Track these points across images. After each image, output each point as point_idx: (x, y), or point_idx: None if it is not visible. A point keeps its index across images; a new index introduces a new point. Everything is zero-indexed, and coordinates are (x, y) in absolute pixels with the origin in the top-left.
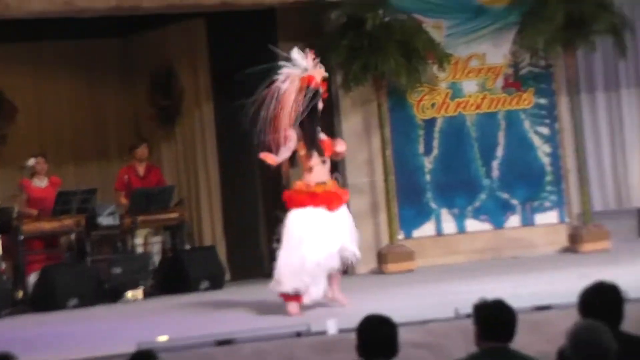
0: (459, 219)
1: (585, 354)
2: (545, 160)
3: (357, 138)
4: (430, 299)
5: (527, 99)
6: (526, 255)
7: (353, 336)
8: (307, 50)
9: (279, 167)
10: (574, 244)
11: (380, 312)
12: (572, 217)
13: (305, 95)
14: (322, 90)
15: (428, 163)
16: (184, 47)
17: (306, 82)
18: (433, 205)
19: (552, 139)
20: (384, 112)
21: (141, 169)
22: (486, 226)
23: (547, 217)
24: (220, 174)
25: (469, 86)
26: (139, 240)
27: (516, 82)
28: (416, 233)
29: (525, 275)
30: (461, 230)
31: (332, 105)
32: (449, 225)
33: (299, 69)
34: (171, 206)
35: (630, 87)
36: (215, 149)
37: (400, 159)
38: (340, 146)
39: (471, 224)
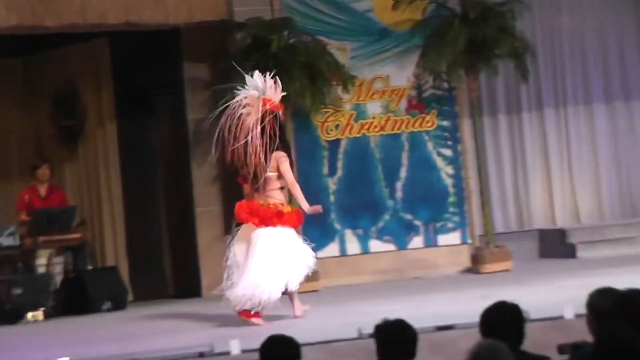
0: (363, 239)
1: None
2: (448, 181)
3: None
4: (334, 319)
5: (430, 121)
6: (429, 275)
7: (256, 356)
8: (264, 73)
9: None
10: (476, 264)
11: (283, 333)
12: (474, 238)
13: (268, 119)
14: (280, 112)
15: (332, 184)
16: (87, 66)
17: (267, 105)
18: (337, 225)
19: (455, 161)
20: (289, 133)
21: (43, 190)
22: (390, 247)
23: (450, 238)
24: (124, 194)
25: (373, 108)
26: (41, 261)
27: (419, 104)
28: (320, 253)
29: (428, 296)
30: (365, 250)
31: None
32: (353, 245)
33: (257, 92)
34: (73, 226)
35: (532, 110)
36: (119, 169)
37: (305, 180)
38: None
39: (375, 245)
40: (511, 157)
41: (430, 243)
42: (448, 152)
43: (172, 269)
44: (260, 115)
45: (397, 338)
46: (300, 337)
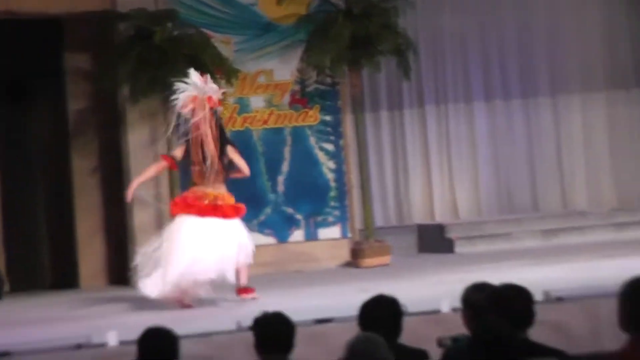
0: None
1: None
2: (330, 176)
3: (144, 150)
4: (214, 311)
5: (313, 116)
6: (309, 269)
7: (134, 348)
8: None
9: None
10: (356, 258)
11: (161, 325)
12: (354, 233)
13: (213, 115)
14: (220, 109)
15: None
16: None
17: (210, 103)
18: None
19: (337, 156)
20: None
21: None
22: (271, 240)
23: (330, 232)
24: (1, 184)
25: (256, 102)
26: None
27: (303, 98)
28: None
29: (308, 289)
30: None
31: (118, 117)
32: None
33: (197, 91)
34: None
35: (413, 107)
36: None
37: (187, 173)
38: None
39: (256, 238)
40: (392, 152)
41: (311, 237)
42: (330, 147)
43: (50, 259)
44: (207, 112)
45: (275, 331)
46: (178, 329)
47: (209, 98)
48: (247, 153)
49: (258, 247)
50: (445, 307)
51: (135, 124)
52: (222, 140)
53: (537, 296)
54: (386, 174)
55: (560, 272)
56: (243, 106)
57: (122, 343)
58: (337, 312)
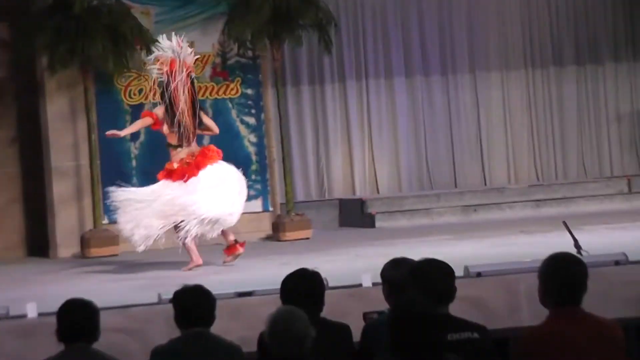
0: None
1: (281, 339)
2: (251, 149)
3: (63, 122)
4: (134, 283)
5: (235, 89)
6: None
7: (53, 320)
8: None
9: None
10: (277, 232)
11: (81, 297)
12: (275, 206)
13: (188, 80)
14: (193, 74)
15: (134, 149)
16: None
17: (186, 67)
18: None
19: (258, 129)
20: (91, 96)
21: None
22: None
23: (252, 206)
24: None
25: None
26: None
27: (224, 71)
28: None
29: (228, 262)
30: None
31: (37, 87)
32: None
33: (173, 54)
34: None
35: (334, 81)
36: None
37: (106, 144)
38: None
39: None
40: (313, 127)
41: None
42: (251, 120)
43: None
44: (184, 76)
45: (194, 304)
46: (98, 301)
47: (185, 62)
48: None
49: None
50: (366, 282)
51: (54, 94)
52: (196, 104)
53: (457, 271)
54: (307, 149)
55: (479, 248)
56: None
57: (42, 315)
58: (259, 285)
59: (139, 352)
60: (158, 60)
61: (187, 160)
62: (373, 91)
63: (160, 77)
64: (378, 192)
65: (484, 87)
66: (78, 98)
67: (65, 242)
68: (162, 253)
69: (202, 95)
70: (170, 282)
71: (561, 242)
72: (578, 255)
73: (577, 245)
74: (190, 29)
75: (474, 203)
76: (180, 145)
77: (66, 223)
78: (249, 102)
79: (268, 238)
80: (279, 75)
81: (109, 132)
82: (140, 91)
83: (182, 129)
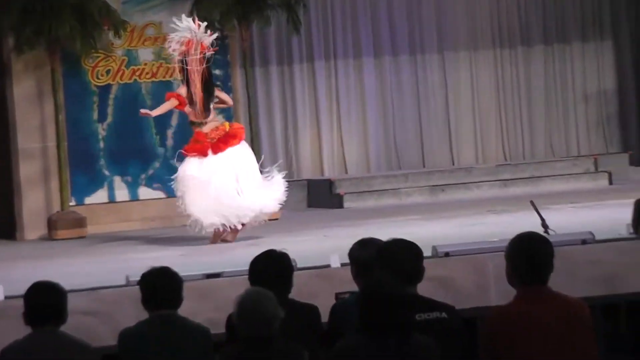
0: (132, 186)
1: (250, 320)
2: None
3: (29, 103)
4: (102, 266)
5: None
6: None
7: (20, 303)
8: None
9: None
10: None
11: (49, 279)
12: None
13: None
14: (209, 53)
15: (102, 130)
16: None
17: (202, 48)
18: (106, 172)
19: (227, 110)
20: (58, 77)
21: None
22: (159, 194)
23: None
24: None
25: (145, 54)
26: None
27: None
28: (88, 200)
29: (196, 244)
30: (134, 197)
31: (3, 68)
32: (122, 192)
33: (190, 35)
34: None
35: (303, 62)
36: None
37: (74, 125)
38: None
39: (144, 192)
40: (282, 108)
41: None
42: None
43: None
44: (199, 57)
45: (161, 286)
46: (66, 284)
47: (201, 43)
48: (135, 106)
49: (146, 202)
50: (334, 262)
51: (21, 76)
52: (211, 84)
53: (426, 252)
54: (276, 129)
55: (447, 228)
56: (131, 59)
57: (8, 298)
58: (227, 266)
59: (107, 335)
60: (175, 40)
61: (213, 136)
62: (342, 71)
63: (178, 57)
64: (346, 173)
65: (452, 68)
66: (45, 79)
67: (32, 224)
68: (131, 235)
69: (170, 76)
70: (138, 264)
71: (528, 222)
72: (544, 235)
73: (544, 224)
74: (158, 10)
75: (441, 183)
76: (201, 123)
77: (33, 205)
78: (218, 83)
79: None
80: (248, 55)
81: (143, 111)
82: (107, 72)
83: (197, 106)
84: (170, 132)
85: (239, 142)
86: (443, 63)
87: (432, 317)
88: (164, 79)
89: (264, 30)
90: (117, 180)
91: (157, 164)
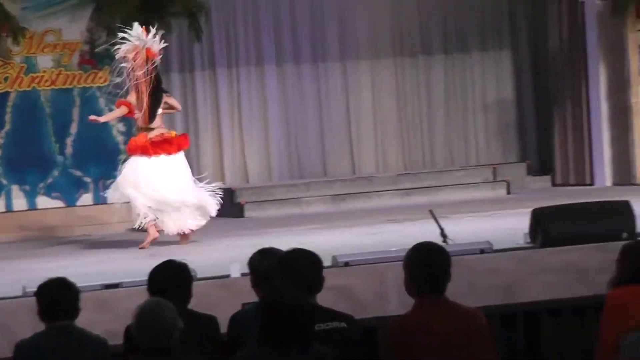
0: (30, 195)
1: (149, 331)
2: (120, 138)
3: None
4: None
5: (103, 77)
6: (98, 233)
7: None
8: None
9: None
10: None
11: None
12: None
13: (150, 67)
14: (158, 60)
15: (0, 138)
16: None
17: (149, 54)
18: (3, 181)
19: (127, 118)
20: None
21: None
22: (58, 203)
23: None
24: None
25: (44, 61)
26: None
27: (92, 59)
28: None
29: (96, 254)
30: (32, 207)
31: None
32: (19, 201)
33: (139, 43)
34: None
35: (205, 69)
36: None
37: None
38: None
39: (43, 201)
40: (183, 115)
41: (100, 200)
42: None
43: None
44: (148, 65)
45: (57, 297)
46: None
47: (149, 49)
48: (34, 114)
49: (45, 211)
50: (235, 272)
51: None
52: (159, 91)
53: (326, 261)
54: None
55: (348, 237)
56: (30, 66)
57: None
58: (126, 277)
59: (3, 346)
60: (124, 49)
61: (155, 140)
62: (244, 79)
63: (126, 65)
64: (248, 182)
65: (353, 76)
66: None
67: None
68: (29, 245)
69: (70, 84)
70: (35, 275)
71: (428, 231)
72: (441, 244)
73: (443, 234)
74: (59, 16)
75: (343, 192)
76: (147, 129)
77: None
78: (118, 91)
79: (136, 229)
80: None
81: (92, 117)
82: (5, 79)
83: (144, 112)
84: (69, 140)
85: (176, 151)
86: (345, 71)
87: (332, 327)
88: (63, 87)
89: (166, 37)
90: (15, 189)
91: (56, 173)
